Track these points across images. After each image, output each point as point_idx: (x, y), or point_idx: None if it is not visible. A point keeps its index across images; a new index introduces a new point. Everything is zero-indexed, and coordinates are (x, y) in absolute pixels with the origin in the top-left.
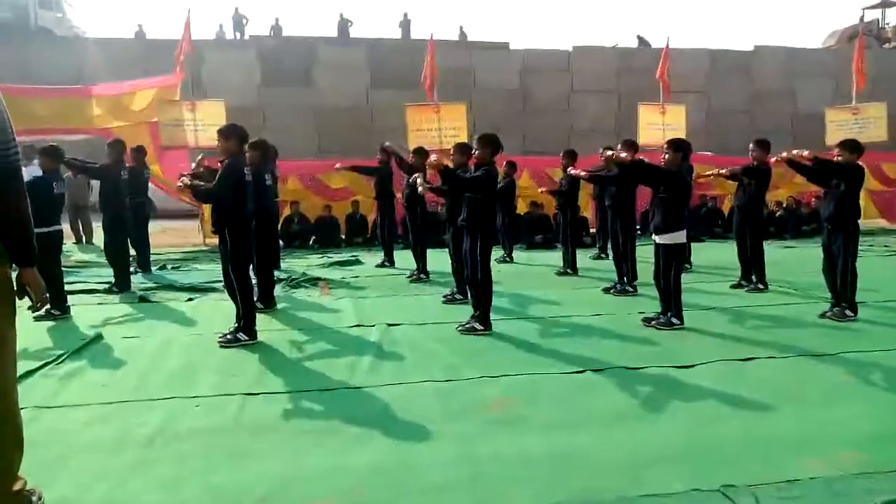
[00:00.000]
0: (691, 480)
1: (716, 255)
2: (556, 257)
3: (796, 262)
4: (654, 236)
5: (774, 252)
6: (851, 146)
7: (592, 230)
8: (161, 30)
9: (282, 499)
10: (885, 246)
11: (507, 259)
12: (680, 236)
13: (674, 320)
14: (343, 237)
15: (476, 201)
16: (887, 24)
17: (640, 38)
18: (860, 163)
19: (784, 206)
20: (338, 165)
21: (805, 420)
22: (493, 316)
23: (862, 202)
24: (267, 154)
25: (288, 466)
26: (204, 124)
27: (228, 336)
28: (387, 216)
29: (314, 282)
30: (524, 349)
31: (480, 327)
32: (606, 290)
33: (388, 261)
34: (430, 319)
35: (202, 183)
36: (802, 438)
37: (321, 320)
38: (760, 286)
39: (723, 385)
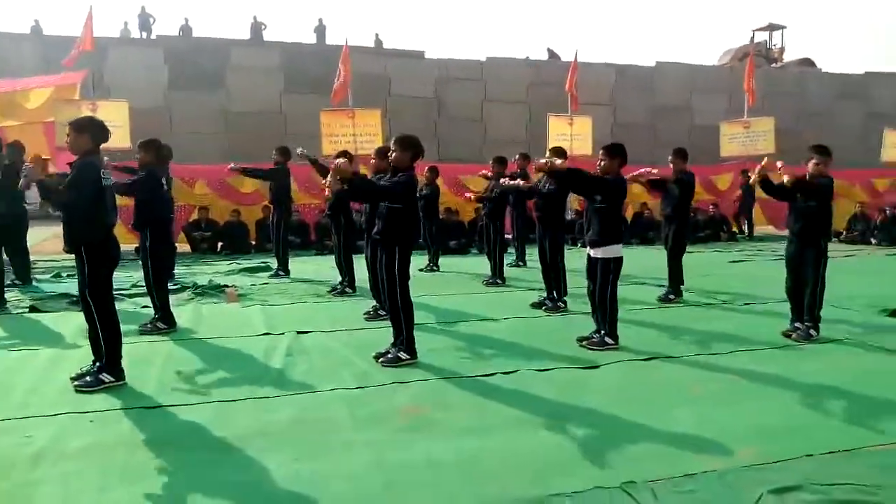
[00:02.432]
0: (594, 479)
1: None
2: (473, 263)
3: (696, 266)
4: (588, 250)
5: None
6: (821, 149)
7: (507, 235)
8: (60, 26)
9: None
10: (773, 251)
11: (434, 268)
12: (616, 249)
13: (608, 340)
14: (253, 243)
15: (393, 211)
16: (774, 45)
17: (551, 52)
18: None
19: None
20: (230, 166)
21: (701, 417)
22: (388, 326)
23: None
24: (161, 155)
25: (188, 483)
26: (105, 125)
27: (88, 379)
28: (283, 222)
29: (221, 289)
30: (436, 354)
31: (405, 356)
32: (536, 306)
33: (283, 270)
34: (342, 326)
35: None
36: (698, 435)
37: (228, 329)
38: (672, 296)
39: (626, 385)
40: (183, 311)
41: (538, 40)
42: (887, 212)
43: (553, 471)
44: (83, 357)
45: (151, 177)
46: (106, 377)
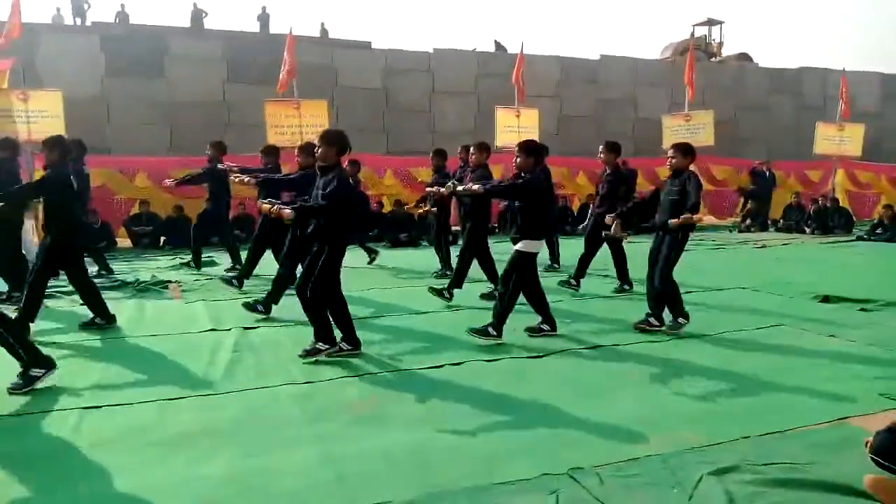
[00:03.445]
0: (542, 466)
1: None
2: (422, 255)
3: (640, 256)
4: (512, 245)
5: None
6: (685, 150)
7: (456, 228)
8: None
9: None
10: (713, 240)
11: (371, 260)
12: (535, 245)
13: (490, 330)
14: None
15: (322, 204)
16: (713, 40)
17: (497, 44)
18: (693, 168)
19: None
20: (167, 182)
21: (643, 403)
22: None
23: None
24: (67, 152)
25: (132, 483)
26: (38, 116)
27: (19, 380)
28: (225, 217)
29: (164, 285)
30: (384, 347)
31: (348, 347)
32: (486, 297)
33: (195, 262)
34: (289, 321)
35: None
36: (641, 420)
37: (172, 325)
38: (626, 287)
39: (572, 373)
40: (125, 307)
41: (485, 32)
42: (820, 202)
43: (502, 459)
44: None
45: (57, 176)
46: (36, 371)
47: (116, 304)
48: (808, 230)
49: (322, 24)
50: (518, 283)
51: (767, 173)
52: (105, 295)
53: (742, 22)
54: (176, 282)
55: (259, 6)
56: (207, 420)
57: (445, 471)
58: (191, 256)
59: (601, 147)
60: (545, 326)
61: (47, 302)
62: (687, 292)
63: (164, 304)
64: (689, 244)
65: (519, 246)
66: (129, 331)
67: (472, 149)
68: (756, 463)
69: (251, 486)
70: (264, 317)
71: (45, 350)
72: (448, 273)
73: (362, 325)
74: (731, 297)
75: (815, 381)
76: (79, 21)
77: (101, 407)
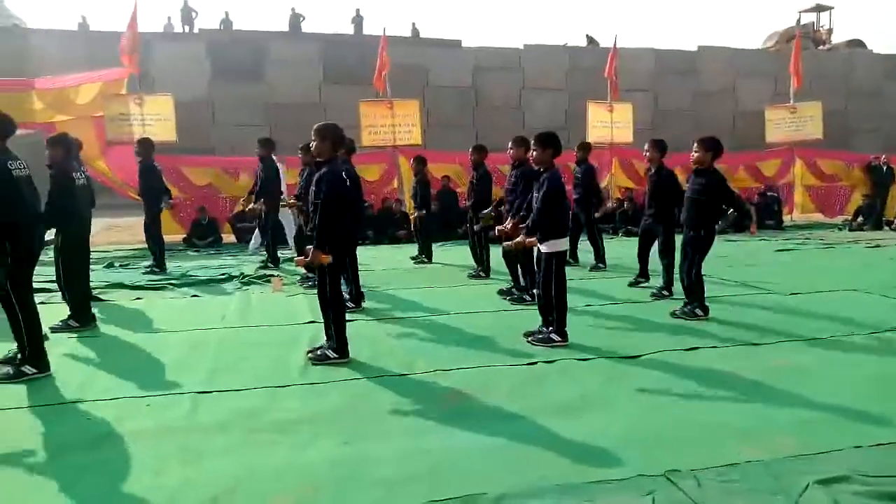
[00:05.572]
0: (637, 466)
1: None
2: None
3: (742, 256)
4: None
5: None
6: (708, 144)
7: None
8: (105, 22)
9: (236, 497)
10: (821, 239)
11: (425, 260)
12: (561, 244)
13: (553, 337)
14: None
15: (319, 205)
16: (822, 26)
17: (589, 38)
18: (717, 167)
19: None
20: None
21: (744, 407)
22: (429, 316)
23: (799, 198)
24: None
25: (242, 465)
26: (152, 119)
27: (10, 370)
28: (269, 214)
29: (267, 278)
30: (476, 343)
31: (334, 355)
32: (501, 293)
33: (272, 262)
34: (386, 315)
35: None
36: (742, 424)
37: (274, 317)
38: (665, 293)
39: (668, 374)
40: (231, 300)
41: (576, 26)
42: None
43: (596, 458)
44: (137, 342)
45: (61, 173)
46: (28, 370)
47: (224, 297)
48: None
49: (413, 24)
50: (560, 282)
51: (885, 168)
52: (212, 288)
53: (854, 6)
54: (278, 275)
55: (353, 9)
56: (309, 408)
57: (538, 467)
58: (270, 255)
59: (647, 144)
60: (556, 337)
61: (161, 294)
62: (793, 293)
63: (268, 296)
64: (795, 242)
65: (547, 248)
66: (236, 321)
67: (510, 146)
68: (867, 474)
69: (349, 473)
70: (357, 310)
71: (156, 338)
72: (482, 274)
73: (457, 320)
74: (842, 300)
75: None
76: (187, 28)
77: (212, 392)
